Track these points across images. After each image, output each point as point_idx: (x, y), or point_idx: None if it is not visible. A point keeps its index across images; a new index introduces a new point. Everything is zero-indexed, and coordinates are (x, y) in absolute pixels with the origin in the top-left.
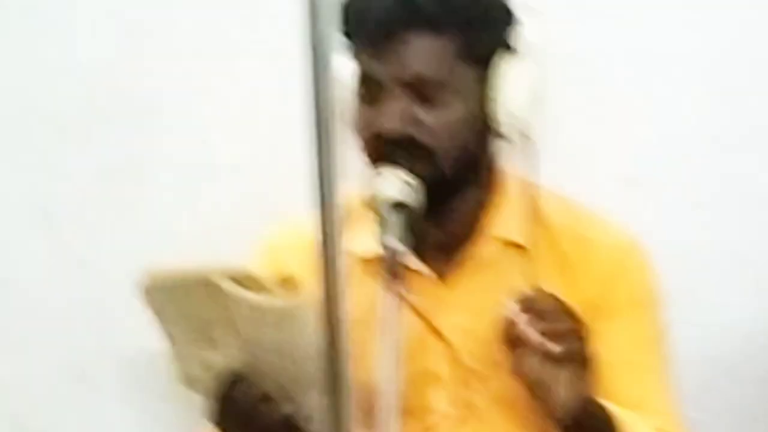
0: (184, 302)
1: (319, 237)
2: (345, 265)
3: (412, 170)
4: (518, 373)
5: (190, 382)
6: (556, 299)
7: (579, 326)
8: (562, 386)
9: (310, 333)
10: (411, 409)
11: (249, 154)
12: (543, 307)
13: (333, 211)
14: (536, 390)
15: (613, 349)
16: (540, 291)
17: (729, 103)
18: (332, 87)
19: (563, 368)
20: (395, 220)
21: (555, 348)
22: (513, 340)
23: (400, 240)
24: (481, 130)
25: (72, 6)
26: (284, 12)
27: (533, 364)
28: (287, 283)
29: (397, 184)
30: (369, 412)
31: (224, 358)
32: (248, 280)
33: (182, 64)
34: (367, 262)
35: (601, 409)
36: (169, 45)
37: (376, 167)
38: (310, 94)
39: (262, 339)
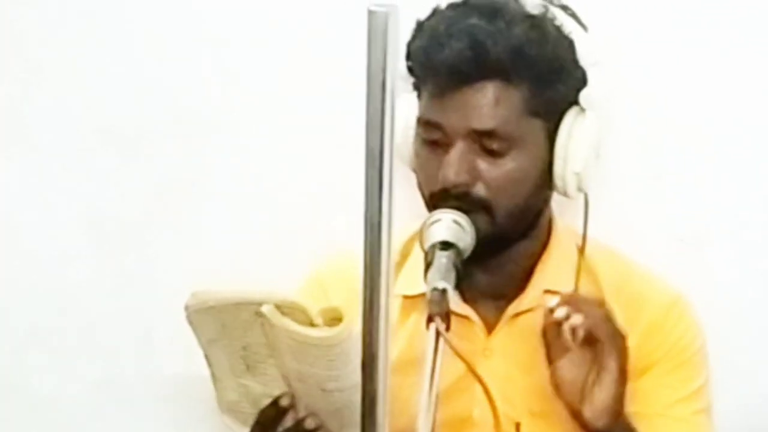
0: (226, 325)
1: (366, 278)
2: (390, 307)
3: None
4: (556, 381)
5: (227, 406)
6: (599, 302)
7: (614, 326)
8: (596, 395)
9: (350, 368)
10: None
11: (309, 184)
12: (582, 303)
13: (382, 253)
14: (571, 399)
15: (652, 402)
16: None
17: None
18: (392, 125)
19: (599, 377)
20: (443, 260)
21: (578, 320)
22: (548, 331)
23: (446, 280)
24: (541, 184)
25: (136, 24)
26: (347, 49)
27: (570, 368)
28: (332, 314)
29: (448, 224)
30: None
31: (262, 384)
32: (293, 308)
33: (242, 92)
34: (413, 300)
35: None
36: (228, 69)
37: (432, 209)
38: (368, 131)
39: (302, 369)
